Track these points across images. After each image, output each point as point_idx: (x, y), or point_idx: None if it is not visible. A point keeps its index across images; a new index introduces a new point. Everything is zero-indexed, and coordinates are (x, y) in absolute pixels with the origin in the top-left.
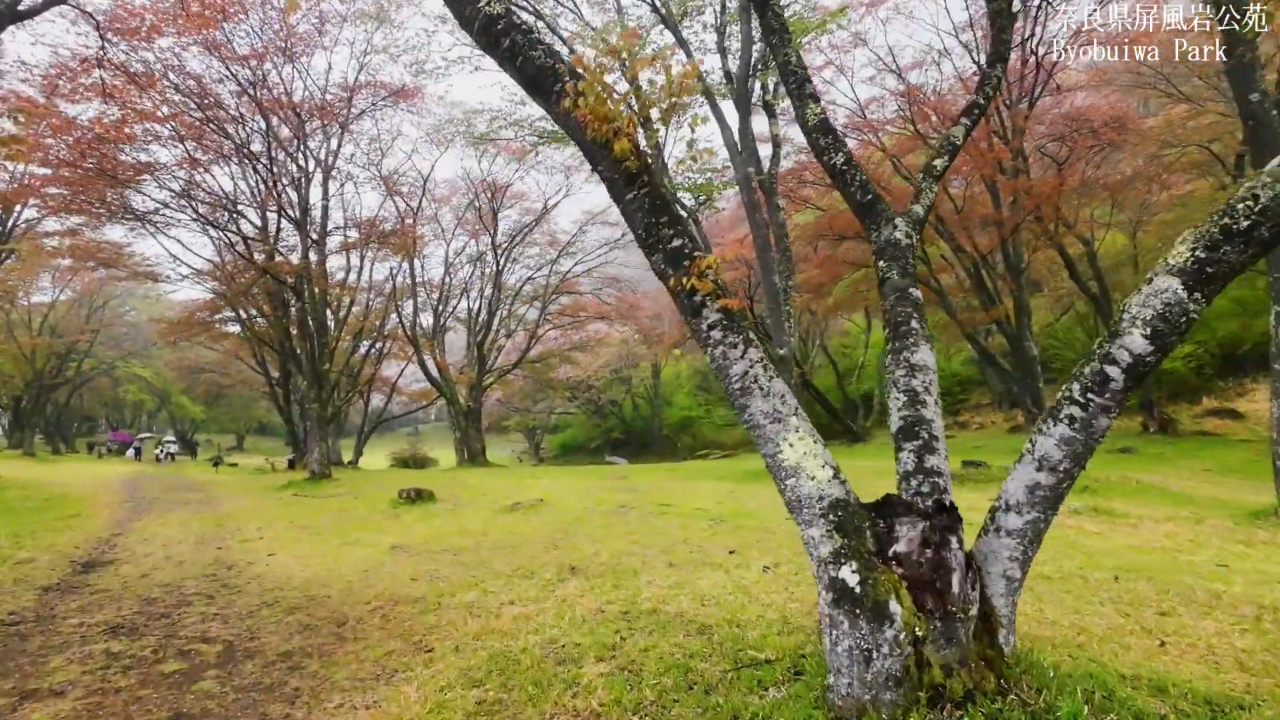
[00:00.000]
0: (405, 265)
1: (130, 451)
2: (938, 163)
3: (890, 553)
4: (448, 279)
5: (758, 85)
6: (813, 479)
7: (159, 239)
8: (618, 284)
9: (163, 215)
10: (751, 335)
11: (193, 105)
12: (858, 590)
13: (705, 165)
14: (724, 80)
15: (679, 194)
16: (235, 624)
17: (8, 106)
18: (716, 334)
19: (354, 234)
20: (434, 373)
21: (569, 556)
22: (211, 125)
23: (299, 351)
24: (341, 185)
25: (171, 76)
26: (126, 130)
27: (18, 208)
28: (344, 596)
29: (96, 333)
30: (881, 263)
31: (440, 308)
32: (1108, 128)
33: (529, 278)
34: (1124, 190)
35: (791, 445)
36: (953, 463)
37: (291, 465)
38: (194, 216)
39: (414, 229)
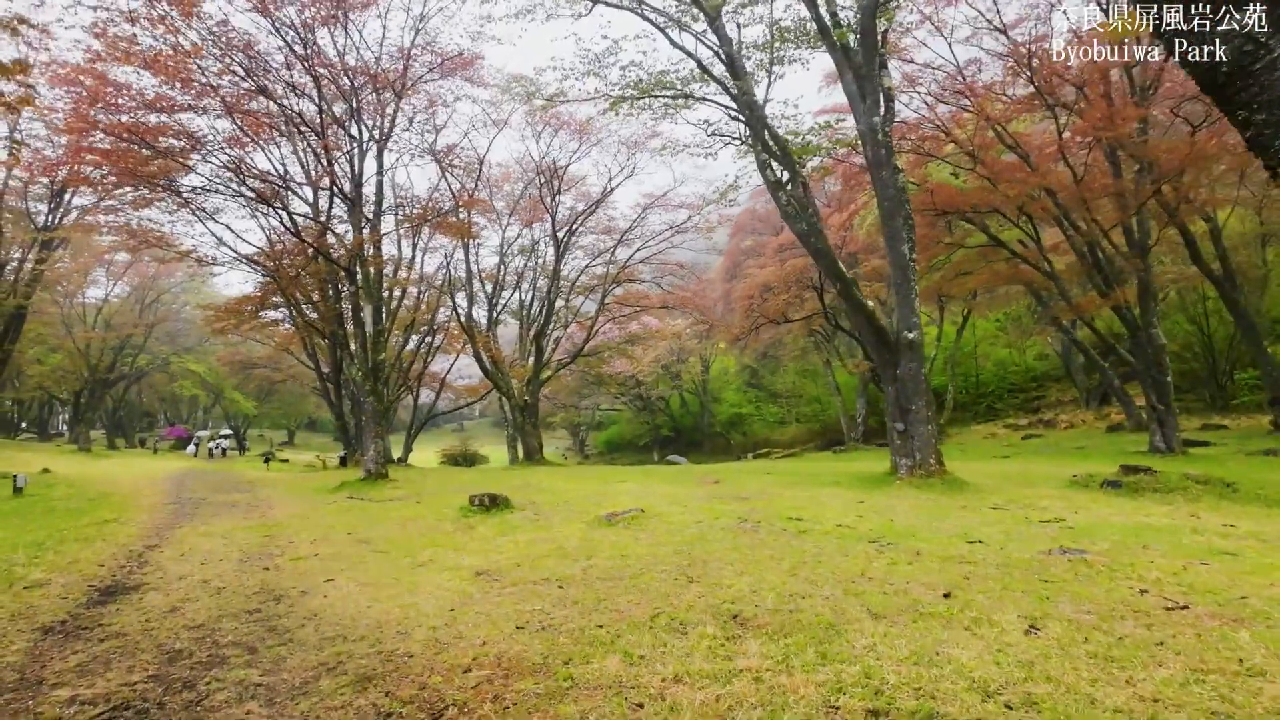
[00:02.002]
0: (458, 255)
1: (190, 447)
2: None
3: None
4: (501, 267)
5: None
6: None
7: (207, 225)
8: (681, 270)
9: (209, 199)
10: None
11: (240, 73)
12: None
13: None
14: (831, 21)
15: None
16: (285, 706)
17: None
18: None
19: (405, 214)
20: (489, 366)
21: (717, 596)
22: (262, 94)
23: (352, 342)
24: (397, 159)
25: (218, 45)
26: (172, 101)
27: (67, 194)
28: (430, 655)
29: (152, 326)
30: None
31: (495, 298)
32: None
33: (586, 267)
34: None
35: None
36: (1103, 466)
37: (344, 462)
38: (236, 192)
39: (472, 205)
